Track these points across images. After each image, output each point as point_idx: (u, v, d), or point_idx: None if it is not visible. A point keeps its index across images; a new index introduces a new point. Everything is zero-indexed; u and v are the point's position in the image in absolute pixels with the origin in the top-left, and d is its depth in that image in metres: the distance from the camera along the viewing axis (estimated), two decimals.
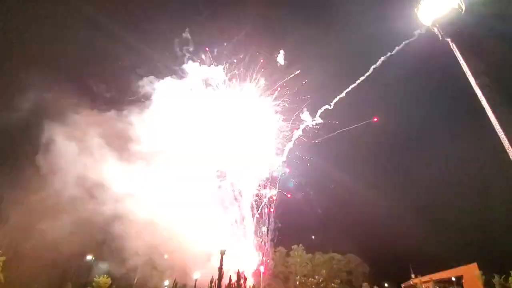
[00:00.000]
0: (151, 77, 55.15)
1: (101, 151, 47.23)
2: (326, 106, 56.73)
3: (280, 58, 57.78)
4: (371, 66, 54.77)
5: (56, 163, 43.25)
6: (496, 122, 5.86)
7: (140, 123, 51.37)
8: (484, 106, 6.21)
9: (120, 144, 48.70)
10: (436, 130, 63.66)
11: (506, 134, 5.55)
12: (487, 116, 6.11)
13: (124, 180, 46.84)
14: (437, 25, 7.24)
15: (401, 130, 59.88)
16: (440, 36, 7.38)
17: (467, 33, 7.21)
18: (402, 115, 58.71)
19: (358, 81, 53.14)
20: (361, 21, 51.71)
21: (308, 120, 58.29)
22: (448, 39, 7.16)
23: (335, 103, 57.39)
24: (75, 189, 43.34)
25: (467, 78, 6.80)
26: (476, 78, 6.57)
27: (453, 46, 7.04)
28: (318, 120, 57.81)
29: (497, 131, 5.86)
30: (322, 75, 60.54)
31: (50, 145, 43.91)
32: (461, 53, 6.92)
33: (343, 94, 54.88)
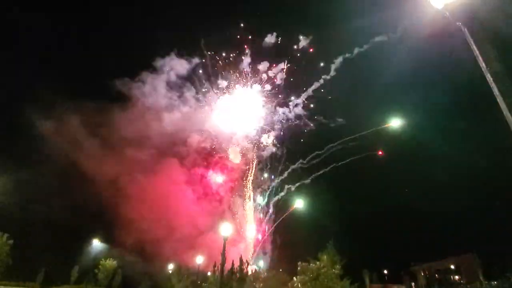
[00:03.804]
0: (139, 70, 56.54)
1: (91, 139, 48.67)
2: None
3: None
4: (379, 50, 53.73)
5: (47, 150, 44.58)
6: (507, 110, 5.63)
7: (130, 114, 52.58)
8: (495, 93, 5.96)
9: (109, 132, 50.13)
10: (444, 117, 62.44)
11: None
12: (498, 103, 5.88)
13: (114, 166, 48.30)
14: (449, 8, 6.93)
15: (409, 116, 58.93)
16: (451, 21, 7.07)
17: (479, 17, 6.88)
18: (410, 100, 58.00)
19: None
20: (370, 3, 50.09)
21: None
22: (459, 24, 6.85)
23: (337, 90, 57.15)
24: (66, 175, 44.83)
25: (478, 64, 6.53)
26: (487, 64, 6.28)
27: (465, 31, 6.74)
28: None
29: (507, 119, 5.64)
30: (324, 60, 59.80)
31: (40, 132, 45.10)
32: (473, 38, 6.61)
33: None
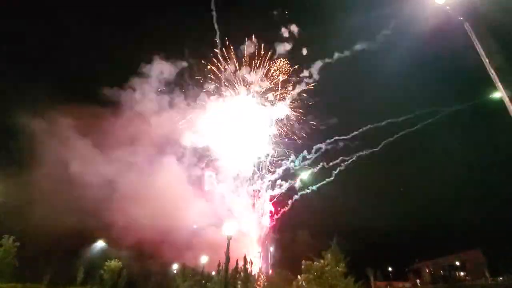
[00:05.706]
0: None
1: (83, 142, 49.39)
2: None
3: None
4: (379, 45, 53.58)
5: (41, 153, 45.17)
6: (509, 103, 5.65)
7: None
8: (497, 86, 5.98)
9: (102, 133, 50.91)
10: (448, 113, 61.98)
11: None
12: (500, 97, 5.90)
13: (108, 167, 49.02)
14: (450, 3, 6.92)
15: (412, 111, 58.72)
16: (453, 15, 7.05)
17: (480, 11, 6.88)
18: (412, 96, 57.74)
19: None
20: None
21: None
22: (461, 18, 6.86)
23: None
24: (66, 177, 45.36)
25: (480, 59, 6.55)
26: (489, 58, 6.31)
27: (467, 25, 6.76)
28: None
29: (509, 111, 5.67)
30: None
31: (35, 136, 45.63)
32: (475, 32, 6.64)
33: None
